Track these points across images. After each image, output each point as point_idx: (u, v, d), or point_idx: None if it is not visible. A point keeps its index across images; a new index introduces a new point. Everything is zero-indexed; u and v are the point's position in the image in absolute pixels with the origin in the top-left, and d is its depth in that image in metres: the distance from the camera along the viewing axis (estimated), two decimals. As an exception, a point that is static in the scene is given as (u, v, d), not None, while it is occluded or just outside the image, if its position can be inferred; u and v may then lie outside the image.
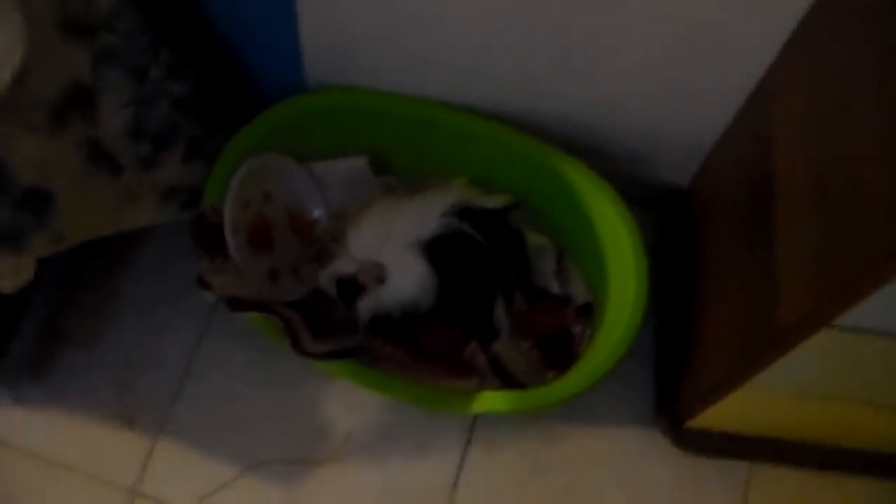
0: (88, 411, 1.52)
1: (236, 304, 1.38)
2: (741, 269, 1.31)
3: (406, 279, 1.44)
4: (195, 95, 1.40)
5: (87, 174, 1.26)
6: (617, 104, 1.50)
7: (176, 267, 1.62)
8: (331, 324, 1.48)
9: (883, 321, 1.03)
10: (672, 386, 1.51)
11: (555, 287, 1.58)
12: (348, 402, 1.54)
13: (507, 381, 1.47)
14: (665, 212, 1.68)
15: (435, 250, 1.43)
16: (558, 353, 1.50)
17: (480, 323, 1.50)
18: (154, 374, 1.55)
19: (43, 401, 1.52)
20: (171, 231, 1.51)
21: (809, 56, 1.20)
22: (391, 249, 1.43)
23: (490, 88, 1.52)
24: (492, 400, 1.39)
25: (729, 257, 1.40)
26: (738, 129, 1.44)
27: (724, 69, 1.36)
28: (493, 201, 1.52)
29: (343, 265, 1.44)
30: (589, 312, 1.54)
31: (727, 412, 1.37)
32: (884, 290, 0.92)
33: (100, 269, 1.63)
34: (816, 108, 1.15)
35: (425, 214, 1.46)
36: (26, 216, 1.18)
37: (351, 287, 1.44)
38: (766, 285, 1.17)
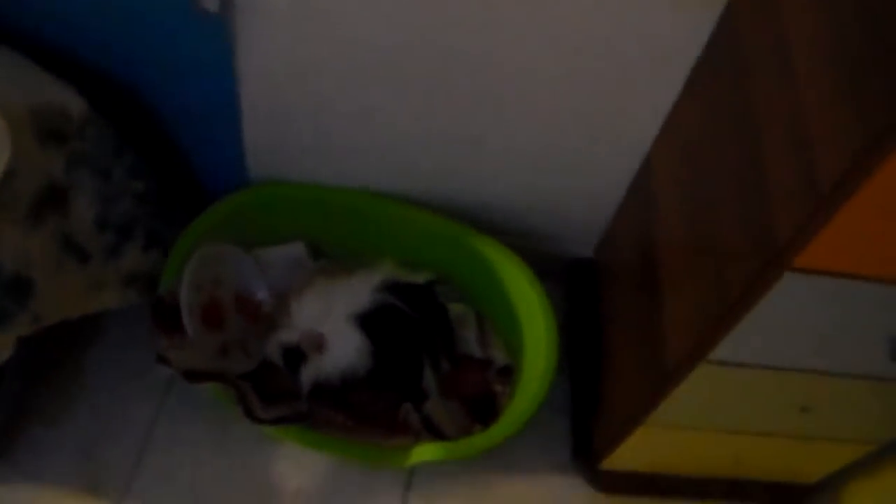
0: (54, 484, 1.56)
1: (193, 375, 1.48)
2: (637, 322, 1.47)
3: (344, 348, 1.55)
4: (153, 192, 1.52)
5: (61, 263, 1.37)
6: (523, 187, 1.66)
7: (135, 344, 1.68)
8: (278, 392, 1.57)
9: (748, 354, 1.19)
10: (586, 431, 1.65)
11: (477, 352, 1.70)
12: (297, 462, 1.62)
13: (439, 436, 1.56)
14: (573, 279, 1.83)
15: (369, 322, 1.55)
16: (483, 409, 1.62)
17: (411, 386, 1.62)
18: (116, 446, 1.60)
19: (9, 475, 1.56)
20: (129, 312, 1.59)
21: (681, 132, 1.39)
22: (330, 322, 1.55)
23: (412, 177, 1.67)
24: (425, 451, 1.50)
25: (627, 313, 1.56)
26: (629, 201, 1.62)
27: (612, 150, 1.54)
28: (418, 277, 1.66)
29: (287, 335, 1.55)
30: (509, 373, 1.66)
31: (636, 452, 1.51)
32: (739, 327, 1.11)
33: (64, 348, 1.69)
34: (687, 178, 1.34)
35: (359, 290, 1.58)
36: (10, 300, 1.29)
37: (295, 354, 1.55)
38: (657, 333, 1.33)
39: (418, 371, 1.62)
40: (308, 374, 1.56)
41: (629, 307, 1.55)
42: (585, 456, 1.65)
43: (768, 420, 1.41)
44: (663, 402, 1.33)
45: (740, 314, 1.09)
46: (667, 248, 1.39)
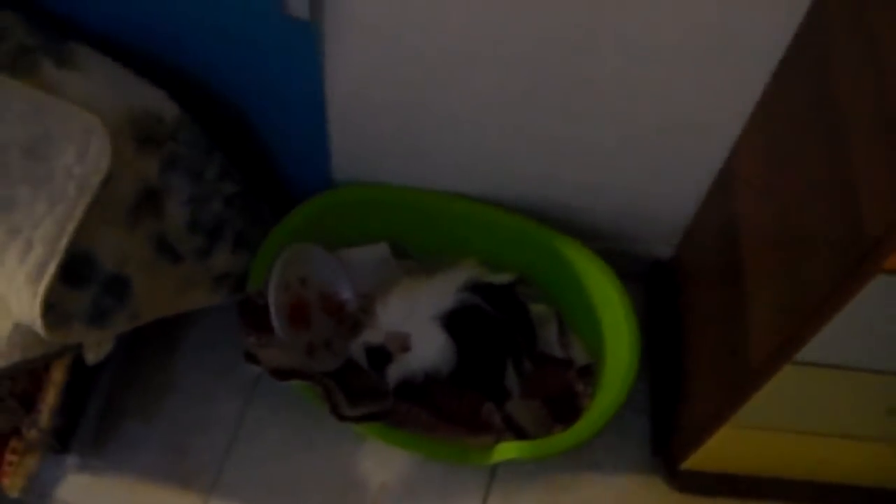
0: (146, 477, 1.62)
1: (282, 374, 1.50)
2: (720, 322, 1.46)
3: (429, 348, 1.57)
4: (242, 194, 1.56)
5: (156, 263, 1.41)
6: (605, 189, 1.66)
7: (221, 344, 1.73)
8: (363, 390, 1.59)
9: (834, 355, 1.18)
10: (666, 432, 1.64)
11: (557, 351, 1.71)
12: (380, 459, 1.64)
13: (520, 435, 1.57)
14: (652, 281, 1.83)
15: (453, 322, 1.57)
16: (564, 409, 1.63)
17: (494, 385, 1.63)
18: (205, 441, 1.65)
19: (105, 468, 1.61)
20: (216, 312, 1.64)
21: (765, 129, 1.38)
22: (415, 322, 1.57)
23: (495, 180, 1.68)
24: (507, 450, 1.51)
25: (709, 313, 1.55)
26: (711, 200, 1.61)
27: (695, 152, 1.53)
28: (501, 278, 1.67)
29: (372, 336, 1.58)
30: (589, 373, 1.67)
31: (716, 452, 1.50)
32: (828, 326, 1.09)
33: (155, 347, 1.74)
34: (772, 176, 1.33)
35: (443, 290, 1.60)
36: (110, 298, 1.33)
37: (379, 355, 1.57)
38: (740, 333, 1.33)
39: (501, 370, 1.63)
40: (393, 373, 1.59)
41: (711, 307, 1.55)
42: (665, 456, 1.64)
43: (855, 423, 1.39)
44: (746, 404, 1.33)
45: (828, 315, 1.08)
46: (751, 247, 1.38)
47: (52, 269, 1.23)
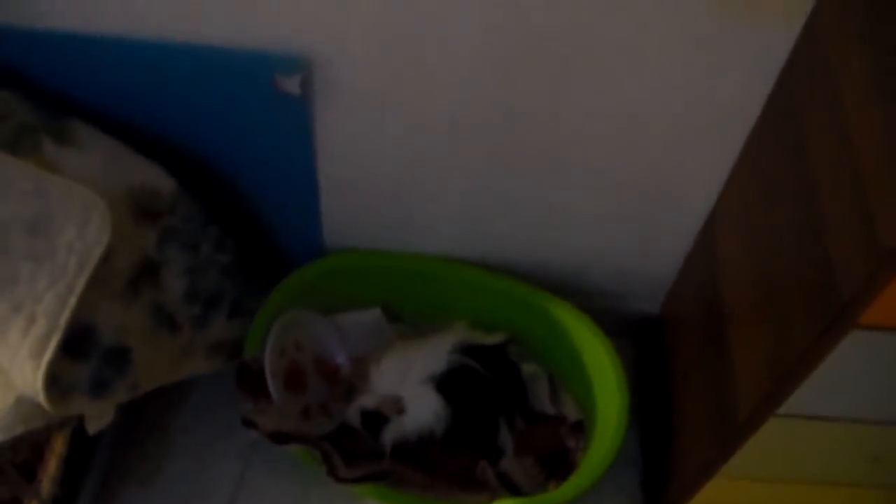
0: None
1: (280, 437, 1.52)
2: (707, 377, 1.48)
3: (423, 410, 1.59)
4: (237, 263, 1.58)
5: (155, 333, 1.43)
6: (591, 250, 1.70)
7: (220, 407, 1.75)
8: (359, 452, 1.61)
9: (816, 407, 1.21)
10: (657, 484, 1.66)
11: (549, 409, 1.72)
12: None
13: (515, 493, 1.58)
14: (640, 337, 1.86)
15: (445, 383, 1.60)
16: (557, 465, 1.63)
17: (487, 444, 1.65)
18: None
19: None
20: (214, 376, 1.63)
21: (744, 191, 1.42)
22: (408, 385, 1.60)
23: (484, 244, 1.71)
24: None
25: (697, 368, 1.57)
26: (694, 258, 1.64)
27: (677, 210, 1.57)
28: (492, 338, 1.70)
29: (366, 400, 1.59)
30: (581, 429, 1.68)
31: (708, 503, 1.52)
32: (809, 380, 1.12)
33: (153, 411, 1.75)
34: (750, 235, 1.37)
35: (435, 353, 1.62)
36: (110, 369, 1.35)
37: (374, 418, 1.59)
38: (727, 388, 1.35)
39: (494, 429, 1.65)
40: (389, 435, 1.60)
41: (698, 362, 1.57)
42: None
43: (838, 470, 1.41)
44: (735, 455, 1.35)
45: (808, 369, 1.11)
46: (733, 303, 1.41)
47: (54, 343, 1.25)
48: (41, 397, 1.27)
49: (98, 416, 1.40)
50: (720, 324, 1.43)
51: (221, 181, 1.60)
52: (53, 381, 1.27)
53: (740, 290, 1.40)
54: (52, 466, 1.50)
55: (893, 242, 0.92)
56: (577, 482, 1.56)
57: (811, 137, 1.18)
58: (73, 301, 1.26)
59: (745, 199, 1.43)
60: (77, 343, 1.31)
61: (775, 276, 1.25)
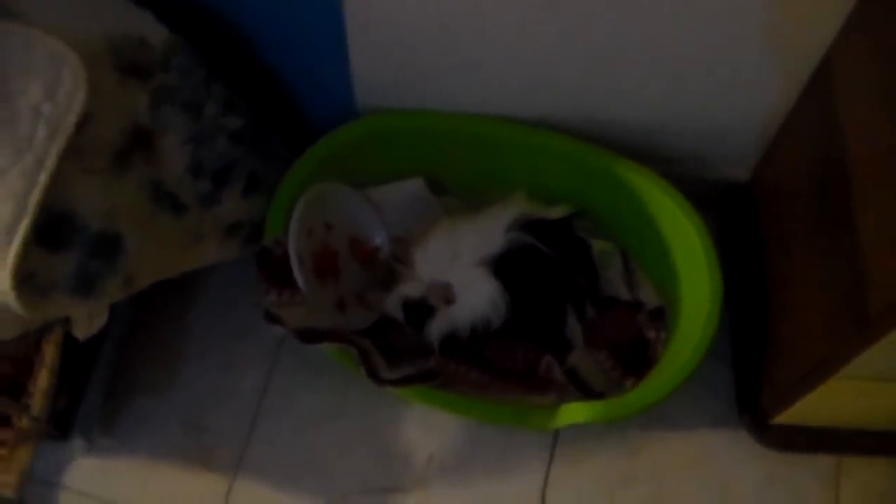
0: (163, 456, 1.52)
1: (309, 335, 1.37)
2: (819, 259, 1.29)
3: (476, 297, 1.44)
4: (250, 128, 1.41)
5: (152, 215, 1.26)
6: (671, 101, 1.50)
7: (239, 302, 1.63)
8: (403, 349, 1.47)
9: None
10: (754, 384, 1.49)
11: (624, 294, 1.56)
12: (426, 425, 1.53)
13: (586, 392, 1.45)
14: (726, 210, 1.67)
15: (503, 266, 1.43)
16: (634, 360, 1.48)
17: (553, 336, 1.50)
18: (226, 413, 1.55)
19: (116, 449, 1.52)
20: (233, 265, 1.51)
21: (877, 26, 1.18)
22: (459, 269, 1.44)
23: (543, 99, 1.53)
24: (573, 412, 1.37)
25: (803, 249, 1.37)
26: (801, 113, 1.42)
27: (781, 50, 1.35)
28: (555, 212, 1.53)
29: (409, 288, 1.44)
30: (661, 317, 1.52)
31: (815, 406, 1.35)
32: None
33: (164, 310, 1.64)
34: (890, 79, 1.13)
35: (489, 231, 1.46)
36: (98, 262, 1.17)
37: (419, 310, 1.44)
38: (850, 272, 1.15)
39: (560, 318, 1.48)
40: (436, 329, 1.45)
41: (806, 242, 1.36)
42: (753, 410, 1.48)
43: None
44: (862, 354, 1.15)
45: None
46: (863, 165, 1.18)
47: (22, 230, 1.07)
48: (11, 298, 1.09)
49: (87, 320, 1.25)
50: (841, 192, 1.21)
51: (226, 29, 1.43)
52: (27, 279, 1.10)
53: (873, 148, 1.16)
54: (43, 379, 1.34)
55: None
56: (659, 381, 1.39)
57: None
58: (43, 178, 1.08)
59: (880, 35, 1.17)
60: (54, 230, 1.13)
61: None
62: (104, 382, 1.54)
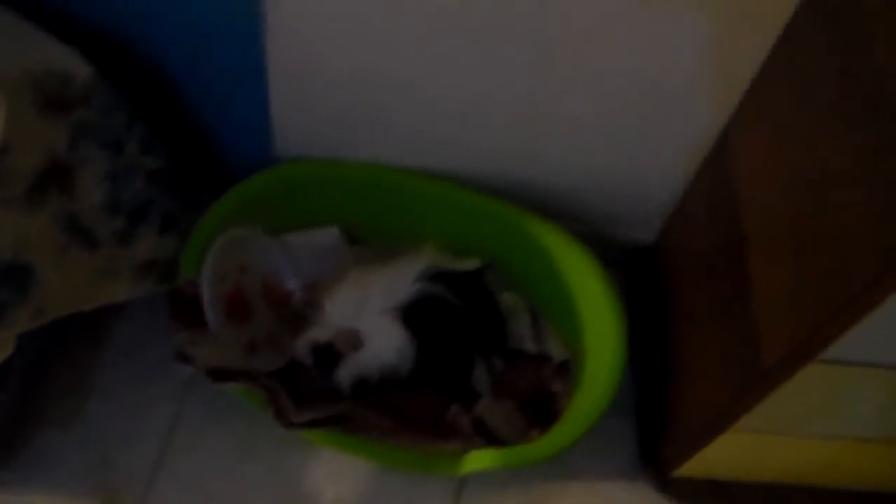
0: (64, 492, 1.48)
1: (220, 375, 1.37)
2: (717, 315, 1.33)
3: (384, 345, 1.44)
4: (168, 170, 1.41)
5: (66, 248, 1.26)
6: (579, 164, 1.54)
7: (149, 342, 1.60)
8: (312, 392, 1.47)
9: (866, 353, 1.05)
10: (655, 436, 1.52)
11: (531, 347, 1.58)
12: (333, 469, 1.52)
13: (492, 441, 1.45)
14: (633, 267, 1.70)
15: (411, 315, 1.45)
16: (540, 411, 1.49)
17: (460, 385, 1.51)
18: (134, 451, 1.52)
19: (15, 482, 1.48)
20: (145, 304, 1.50)
21: (770, 100, 1.24)
22: (368, 316, 1.44)
23: (457, 154, 1.56)
24: (479, 459, 1.38)
25: (702, 305, 1.41)
26: (702, 179, 1.47)
27: (684, 121, 1.41)
28: (466, 264, 1.55)
29: (318, 333, 1.44)
30: (567, 370, 1.53)
31: (715, 458, 1.38)
32: (872, 317, 0.94)
33: (75, 344, 1.61)
34: (781, 150, 1.19)
35: (400, 280, 1.47)
36: (7, 291, 1.17)
37: (327, 355, 1.44)
38: (746, 327, 1.18)
39: (468, 368, 1.51)
40: (345, 374, 1.45)
41: (706, 299, 1.41)
42: (654, 462, 1.51)
43: (872, 424, 1.27)
44: (757, 407, 1.19)
45: (867, 309, 0.93)
46: (758, 231, 1.23)
47: None
48: (-87, 324, 1.08)
49: (-8, 349, 1.23)
50: (737, 253, 1.26)
51: (150, 70, 1.45)
52: (-69, 306, 1.09)
53: (771, 216, 1.21)
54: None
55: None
56: (566, 431, 1.41)
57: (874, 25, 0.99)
58: (-47, 207, 1.08)
59: (775, 114, 1.24)
60: (-39, 259, 1.12)
61: (827, 202, 1.05)
62: (6, 414, 1.51)
